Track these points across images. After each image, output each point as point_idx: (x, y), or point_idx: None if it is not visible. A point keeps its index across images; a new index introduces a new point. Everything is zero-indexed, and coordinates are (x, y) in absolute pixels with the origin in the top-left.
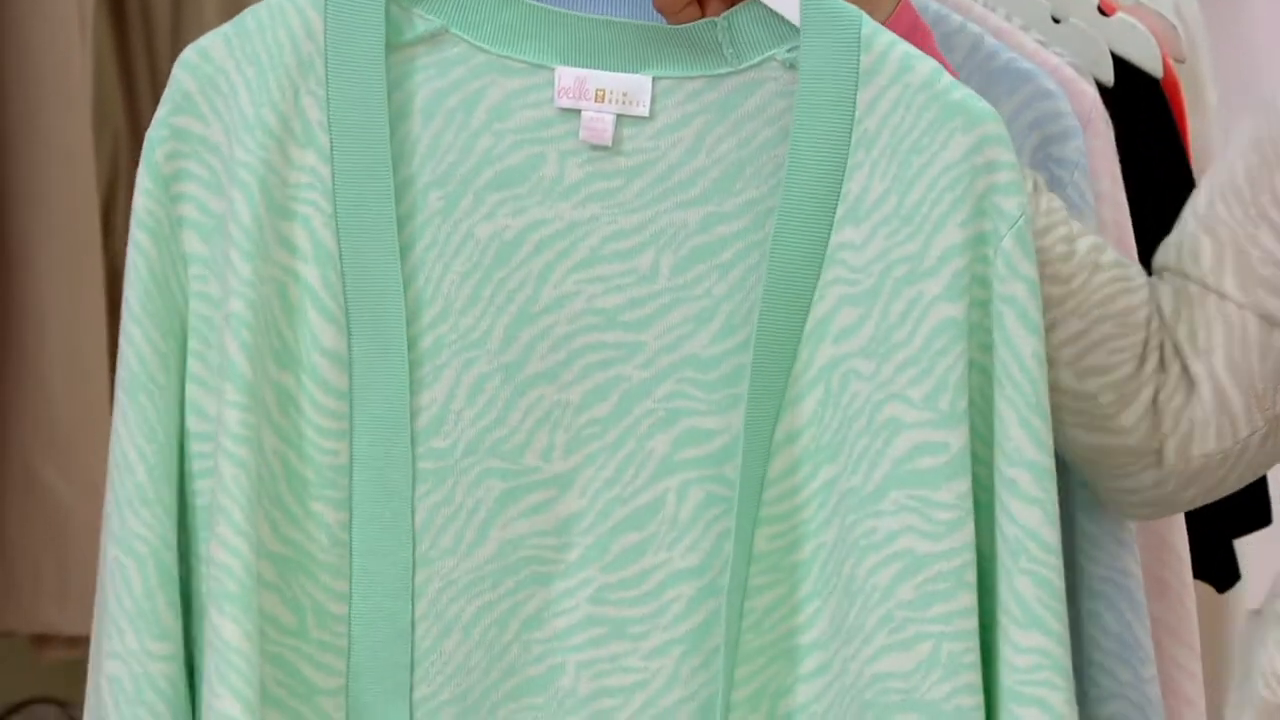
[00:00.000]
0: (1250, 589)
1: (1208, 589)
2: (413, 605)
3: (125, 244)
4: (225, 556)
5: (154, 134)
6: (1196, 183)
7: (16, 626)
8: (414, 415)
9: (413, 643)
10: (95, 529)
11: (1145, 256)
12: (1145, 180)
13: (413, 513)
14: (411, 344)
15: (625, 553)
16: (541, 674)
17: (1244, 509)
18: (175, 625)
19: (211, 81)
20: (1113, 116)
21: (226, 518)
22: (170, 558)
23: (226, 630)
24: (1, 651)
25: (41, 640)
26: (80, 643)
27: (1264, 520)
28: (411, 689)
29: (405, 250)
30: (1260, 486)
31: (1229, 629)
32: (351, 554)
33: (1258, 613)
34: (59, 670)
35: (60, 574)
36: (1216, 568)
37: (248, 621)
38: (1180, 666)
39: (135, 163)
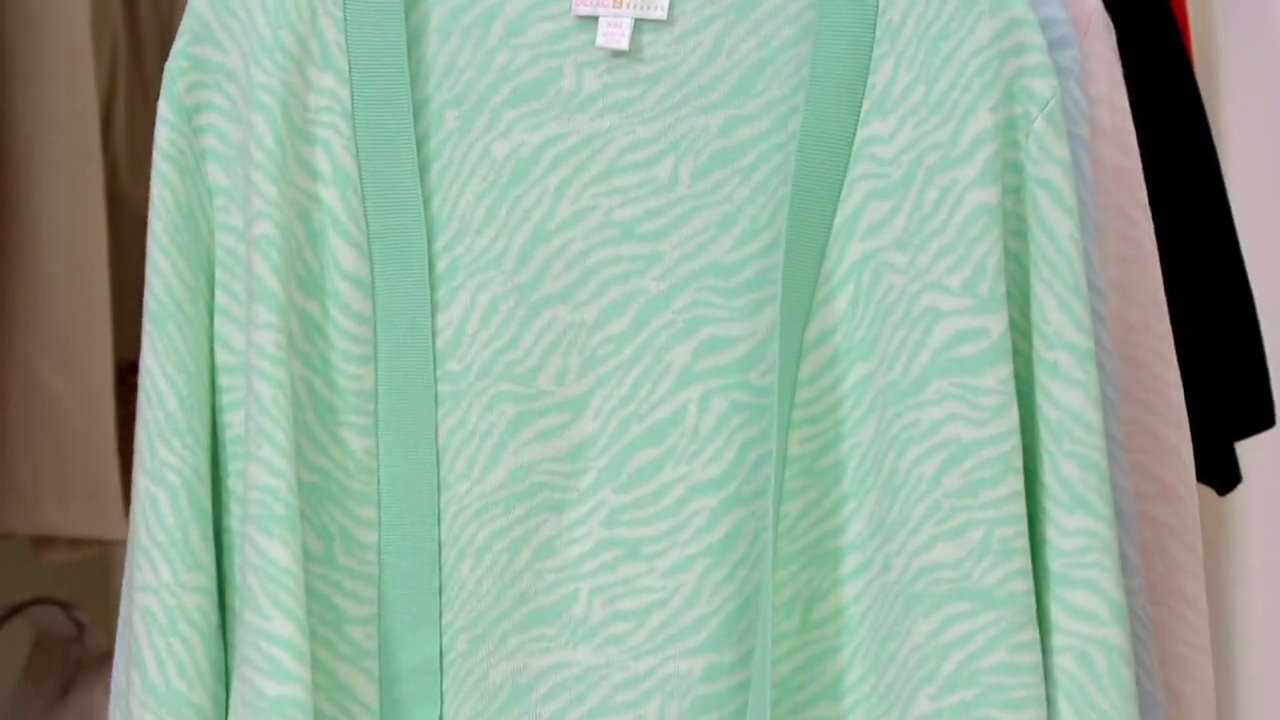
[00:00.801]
0: (1251, 493)
1: (1208, 492)
2: (439, 531)
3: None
4: (269, 479)
5: (173, 65)
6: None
7: (18, 528)
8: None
9: (440, 569)
10: (95, 433)
11: (1148, 158)
12: (1148, 84)
13: (436, 438)
14: (429, 267)
15: (640, 471)
16: (553, 603)
17: (1245, 410)
18: (208, 557)
19: (227, 6)
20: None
21: (268, 439)
22: (203, 489)
23: (275, 552)
24: (3, 553)
25: (43, 542)
26: (82, 545)
27: (1267, 422)
28: (440, 615)
29: (422, 172)
30: (1263, 387)
31: (1231, 531)
32: (379, 481)
33: None
34: (61, 572)
35: (61, 476)
36: (1217, 471)
37: (295, 544)
38: (1183, 569)
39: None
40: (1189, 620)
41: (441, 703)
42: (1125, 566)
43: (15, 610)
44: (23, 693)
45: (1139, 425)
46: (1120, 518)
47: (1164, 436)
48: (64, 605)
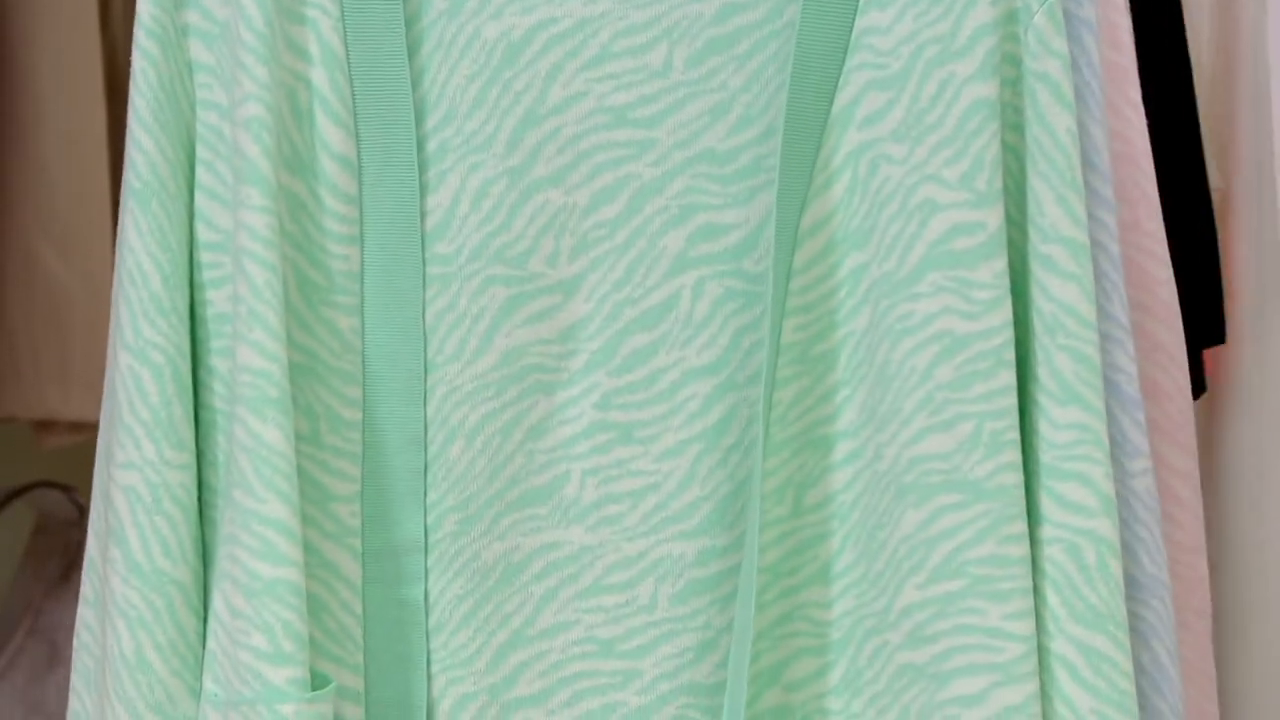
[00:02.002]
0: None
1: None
2: (425, 411)
3: (121, 34)
4: (262, 362)
5: None
6: None
7: (19, 412)
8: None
9: (426, 449)
10: (93, 317)
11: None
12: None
13: (423, 319)
14: (417, 148)
15: (634, 355)
16: (545, 484)
17: (1205, 322)
18: (190, 435)
19: None
20: None
21: (260, 322)
22: (185, 367)
23: (269, 435)
24: (5, 436)
25: (44, 426)
26: (83, 428)
27: (1218, 338)
28: (425, 494)
29: (411, 53)
30: (1217, 303)
31: (1210, 433)
32: (364, 360)
33: None
34: (62, 455)
35: (61, 360)
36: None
37: (288, 426)
38: (1174, 470)
39: None
40: (1180, 520)
41: (426, 580)
42: (1129, 449)
43: (17, 493)
44: (24, 575)
45: (1138, 328)
46: (1126, 400)
47: (1154, 334)
48: (65, 488)
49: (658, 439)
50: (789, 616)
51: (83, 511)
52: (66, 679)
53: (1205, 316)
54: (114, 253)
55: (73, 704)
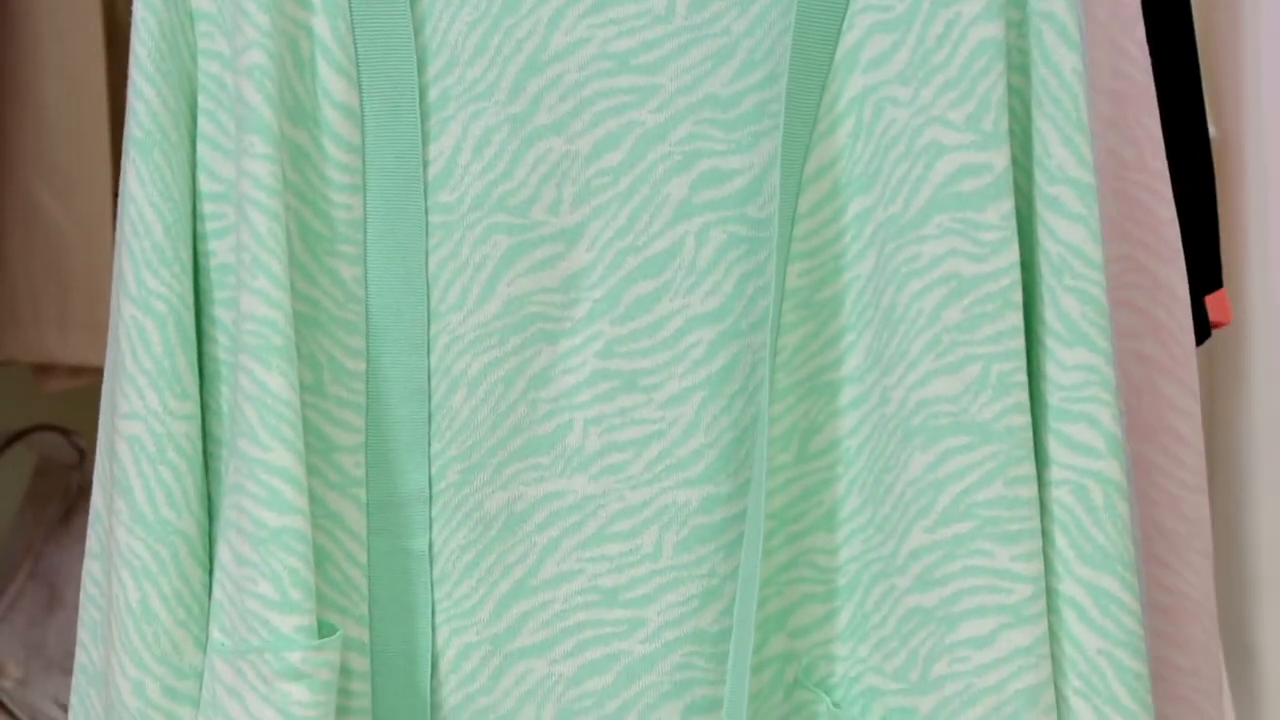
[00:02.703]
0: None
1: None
2: (429, 361)
3: None
4: (266, 310)
5: None
6: None
7: (18, 355)
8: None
9: (430, 398)
10: (92, 261)
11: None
12: None
13: (426, 268)
14: (419, 96)
15: (637, 302)
16: (548, 432)
17: (1204, 267)
18: (194, 385)
19: None
20: None
21: (265, 271)
22: (189, 318)
23: (274, 384)
24: (4, 380)
25: (44, 369)
26: (82, 372)
27: (1216, 283)
28: (429, 444)
29: (412, 1)
30: (1214, 249)
31: (1214, 380)
32: (368, 310)
33: None
34: (62, 399)
35: (61, 303)
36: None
37: (293, 375)
38: (1176, 407)
39: None
40: (1182, 459)
41: (430, 530)
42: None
43: (17, 436)
44: (24, 518)
45: (1132, 262)
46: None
47: (1157, 273)
48: (65, 432)
49: (661, 386)
50: (794, 563)
51: (83, 455)
52: (66, 622)
53: (1204, 262)
54: (113, 197)
55: (80, 657)
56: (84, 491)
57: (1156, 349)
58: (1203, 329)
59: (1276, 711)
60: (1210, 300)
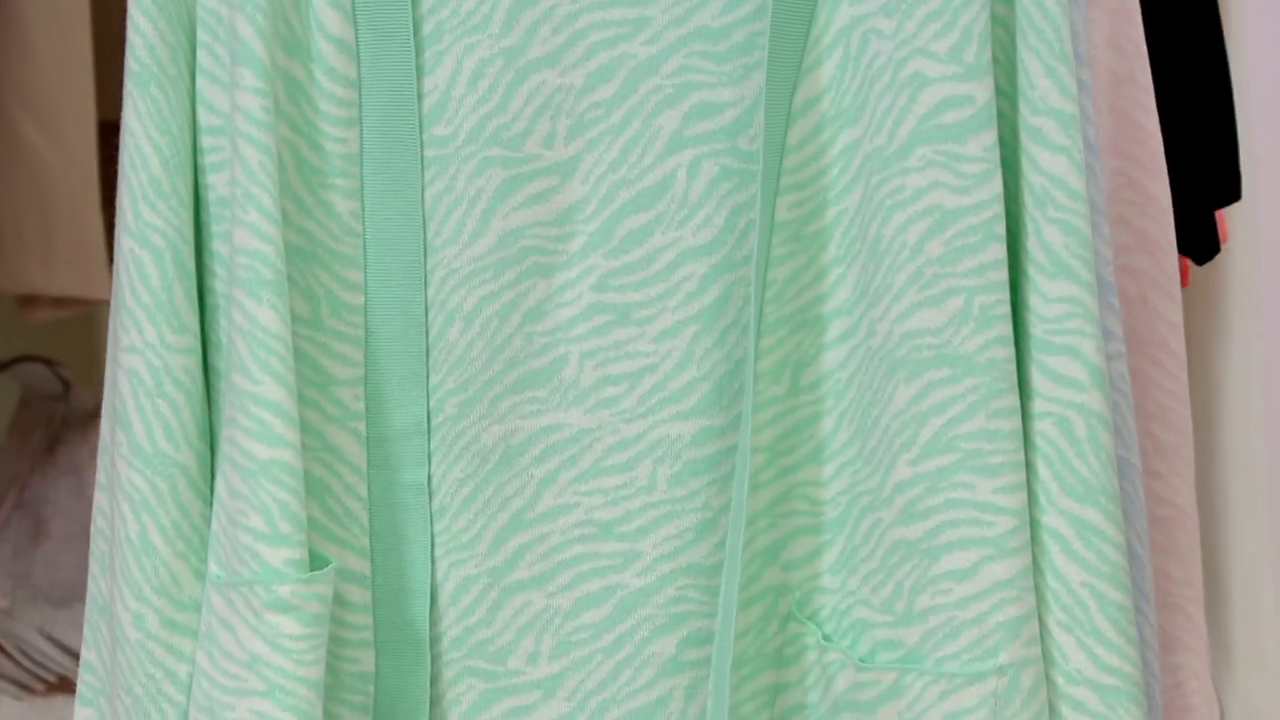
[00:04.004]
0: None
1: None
2: (426, 295)
3: None
4: (256, 244)
5: None
6: None
7: (2, 286)
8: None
9: (427, 332)
10: (79, 193)
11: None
12: None
13: (422, 201)
14: (414, 30)
15: (630, 235)
16: (544, 366)
17: (1219, 181)
18: (193, 318)
19: None
20: None
21: (255, 204)
22: (187, 251)
23: (264, 317)
24: None
25: (28, 301)
26: (66, 303)
27: (1234, 195)
28: (427, 377)
29: None
30: (1233, 160)
31: (1213, 297)
32: (365, 244)
33: None
34: (47, 329)
35: (44, 235)
36: (1196, 240)
37: (284, 308)
38: (1164, 319)
39: None
40: (1170, 370)
41: (429, 464)
42: (1105, 333)
43: (2, 367)
44: (9, 449)
45: (1124, 178)
46: (1101, 284)
47: (1146, 187)
48: (50, 363)
49: (655, 320)
50: (786, 496)
51: (67, 385)
52: (51, 552)
53: (1220, 175)
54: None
55: (90, 588)
56: (68, 422)
57: (1148, 263)
58: (1212, 244)
59: (1241, 623)
60: (1220, 215)
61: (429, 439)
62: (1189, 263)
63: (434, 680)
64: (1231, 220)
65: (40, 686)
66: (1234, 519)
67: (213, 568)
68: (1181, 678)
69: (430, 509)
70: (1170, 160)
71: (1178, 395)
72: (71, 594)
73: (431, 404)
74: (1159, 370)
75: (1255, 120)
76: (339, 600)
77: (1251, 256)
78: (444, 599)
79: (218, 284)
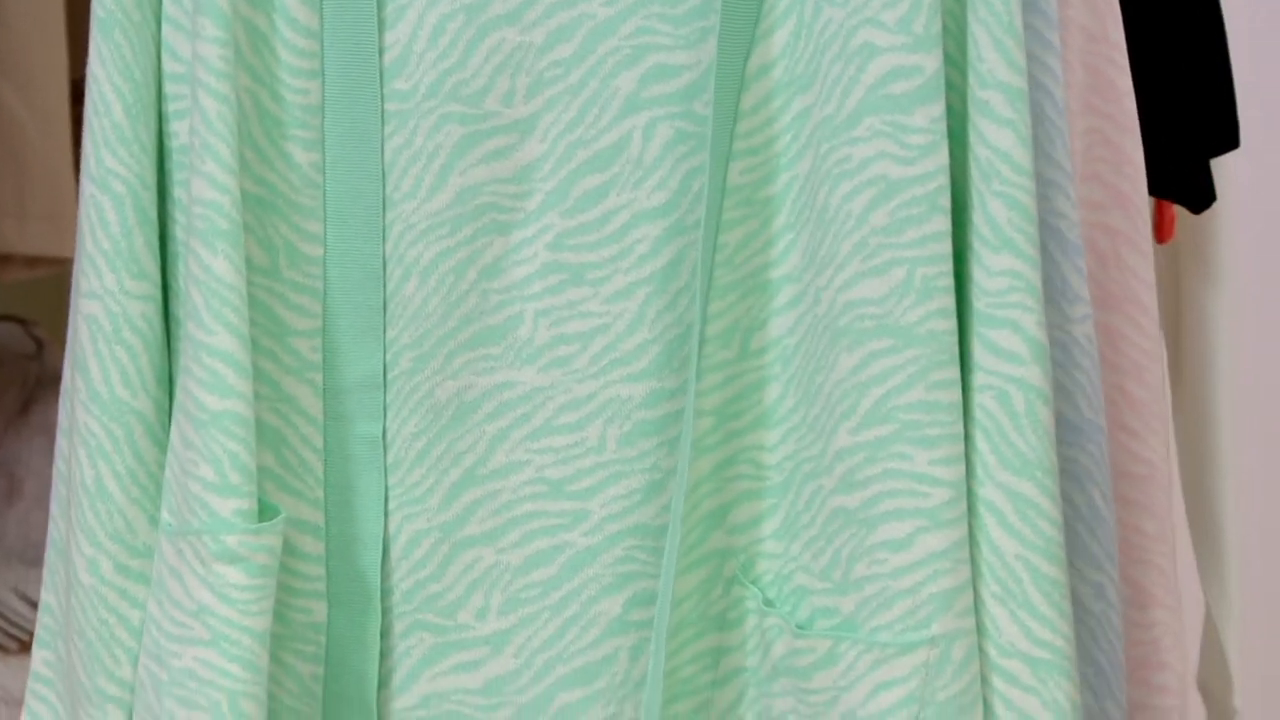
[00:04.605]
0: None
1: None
2: (384, 248)
3: None
4: (213, 194)
5: None
6: None
7: None
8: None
9: (385, 286)
10: (52, 152)
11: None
12: None
13: (381, 155)
14: None
15: (586, 195)
16: (499, 323)
17: (1216, 129)
18: (153, 266)
19: None
20: None
21: (213, 154)
22: (148, 197)
23: (219, 267)
24: None
25: (1, 260)
26: (39, 263)
27: (1233, 143)
28: (384, 331)
29: None
30: (1230, 108)
31: (1207, 246)
32: (324, 195)
33: None
34: (20, 289)
35: (18, 195)
36: (1192, 189)
37: (239, 259)
38: (1138, 276)
39: None
40: (1144, 327)
41: (385, 417)
42: (1069, 295)
43: None
44: None
45: (1098, 135)
46: (1067, 246)
47: (1121, 145)
48: (23, 322)
49: (608, 281)
50: (733, 460)
51: (41, 345)
52: (25, 512)
53: (1217, 122)
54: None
55: (51, 531)
56: (42, 382)
57: (1122, 221)
58: (1208, 193)
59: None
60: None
61: (385, 392)
62: (1176, 212)
63: (385, 633)
64: (1227, 165)
65: (14, 645)
66: (1227, 465)
67: (165, 515)
68: (1157, 634)
69: (384, 462)
70: (1167, 108)
71: (1151, 352)
72: (42, 552)
73: (388, 358)
74: (1132, 326)
75: (1253, 69)
76: (292, 550)
77: (1240, 206)
78: (396, 552)
79: (179, 231)
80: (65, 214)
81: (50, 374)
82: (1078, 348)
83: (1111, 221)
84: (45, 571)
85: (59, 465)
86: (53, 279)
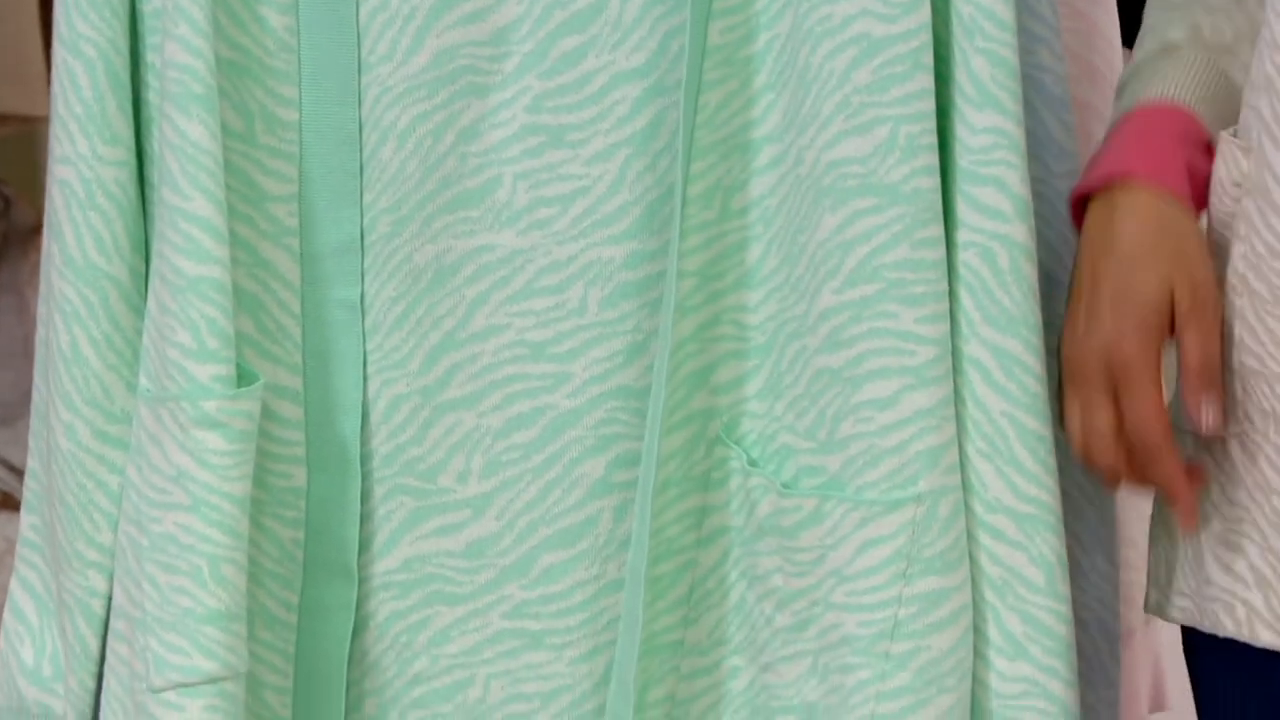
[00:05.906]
0: None
1: None
2: (360, 112)
3: None
4: (187, 58)
5: None
6: None
7: None
8: None
9: (361, 150)
10: (18, 11)
11: None
12: None
13: (357, 18)
14: None
15: (565, 57)
16: (478, 186)
17: None
18: (127, 130)
19: None
20: None
21: (186, 18)
22: (120, 62)
23: (194, 132)
24: None
25: None
26: (6, 120)
27: None
28: (361, 195)
29: None
30: None
31: None
32: (299, 59)
33: None
34: None
35: None
36: None
37: (214, 123)
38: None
39: None
40: None
41: (362, 281)
42: (1054, 150)
43: None
44: None
45: (1070, 8)
46: (1052, 100)
47: (1093, 17)
48: None
49: (587, 143)
50: (715, 320)
51: (8, 202)
52: None
53: None
54: None
55: (34, 397)
56: (9, 239)
57: (1091, 93)
58: None
59: None
60: None
61: (362, 257)
62: None
63: (365, 497)
64: None
65: None
66: None
67: (143, 381)
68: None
69: (363, 327)
70: None
71: None
72: (11, 412)
73: (365, 222)
74: None
75: None
76: (271, 416)
77: None
78: (375, 416)
79: (153, 96)
80: (30, 71)
81: (18, 231)
82: (1063, 202)
83: (1081, 95)
84: (30, 438)
85: (40, 332)
86: (20, 137)
